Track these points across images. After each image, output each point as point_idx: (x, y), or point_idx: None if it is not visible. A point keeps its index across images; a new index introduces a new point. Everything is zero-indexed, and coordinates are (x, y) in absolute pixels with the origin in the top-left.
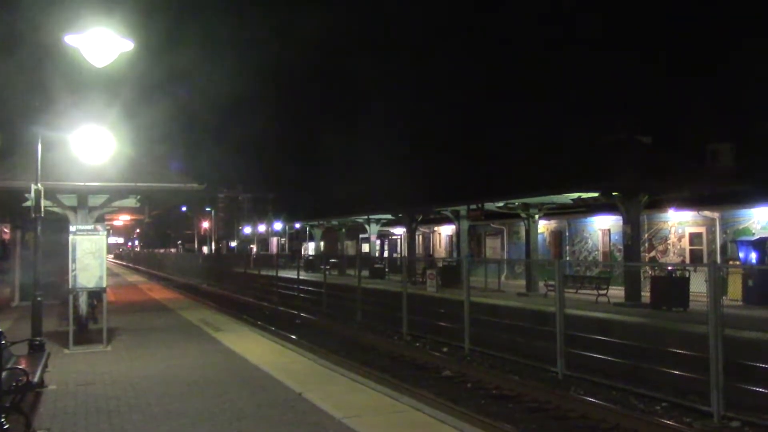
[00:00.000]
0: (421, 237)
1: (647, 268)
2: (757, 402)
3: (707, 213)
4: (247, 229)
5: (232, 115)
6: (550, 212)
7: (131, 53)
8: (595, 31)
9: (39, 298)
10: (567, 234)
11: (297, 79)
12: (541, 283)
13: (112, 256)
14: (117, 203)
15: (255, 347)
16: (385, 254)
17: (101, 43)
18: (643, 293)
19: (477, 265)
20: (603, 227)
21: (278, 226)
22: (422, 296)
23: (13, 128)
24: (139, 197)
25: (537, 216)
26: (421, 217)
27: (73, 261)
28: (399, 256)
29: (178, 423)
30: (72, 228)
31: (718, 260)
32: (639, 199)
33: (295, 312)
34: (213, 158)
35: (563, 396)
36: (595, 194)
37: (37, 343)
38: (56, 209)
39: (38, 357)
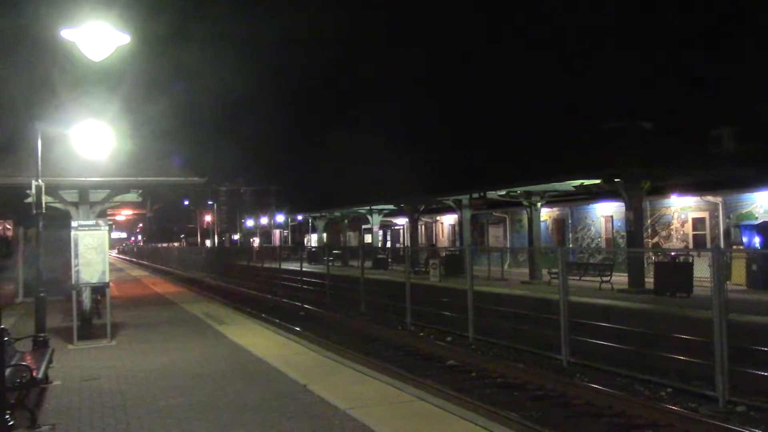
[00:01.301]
0: (423, 227)
1: (650, 254)
2: (762, 386)
3: (710, 198)
4: (250, 222)
5: (233, 108)
6: (552, 200)
7: (132, 48)
8: (596, 16)
9: (42, 294)
10: (570, 221)
11: (298, 73)
12: (544, 271)
13: (115, 251)
14: (118, 198)
15: (259, 340)
16: (388, 245)
17: (98, 37)
18: (646, 279)
19: (480, 254)
20: (605, 214)
21: (281, 218)
22: (425, 286)
23: (13, 124)
24: (140, 192)
25: (539, 204)
26: (423, 206)
27: (76, 256)
28: (402, 246)
29: (182, 416)
30: (74, 223)
31: (722, 245)
32: (641, 185)
33: (299, 304)
34: (214, 152)
35: (568, 383)
36: (597, 181)
37: (41, 339)
38: (58, 205)
39: (42, 353)
